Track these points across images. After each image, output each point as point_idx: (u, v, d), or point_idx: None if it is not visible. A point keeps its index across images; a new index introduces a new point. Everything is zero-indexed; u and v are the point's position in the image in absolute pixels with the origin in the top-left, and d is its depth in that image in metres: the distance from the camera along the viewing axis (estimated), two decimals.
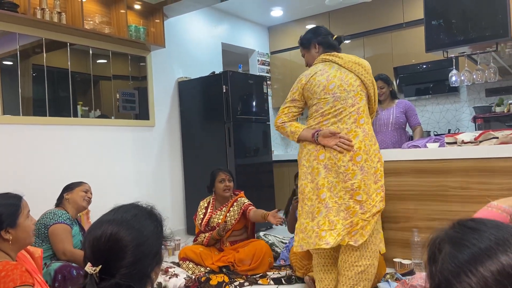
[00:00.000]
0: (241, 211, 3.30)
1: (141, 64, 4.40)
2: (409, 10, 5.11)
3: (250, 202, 3.36)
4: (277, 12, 5.71)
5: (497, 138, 2.51)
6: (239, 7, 5.37)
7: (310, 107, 2.30)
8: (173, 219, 4.58)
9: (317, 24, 5.90)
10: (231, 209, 3.33)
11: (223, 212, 3.33)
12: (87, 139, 3.80)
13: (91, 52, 3.90)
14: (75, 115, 3.75)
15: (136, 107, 4.29)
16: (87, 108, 3.87)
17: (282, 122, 2.33)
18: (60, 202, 2.82)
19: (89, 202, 2.87)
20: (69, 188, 2.86)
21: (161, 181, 4.50)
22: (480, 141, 2.59)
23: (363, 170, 2.14)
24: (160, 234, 1.11)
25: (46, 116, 3.53)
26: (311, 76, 2.26)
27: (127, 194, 4.00)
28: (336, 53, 2.33)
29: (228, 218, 3.29)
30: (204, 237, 3.32)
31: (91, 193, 2.92)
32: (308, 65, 2.45)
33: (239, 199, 3.36)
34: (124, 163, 4.10)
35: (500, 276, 0.65)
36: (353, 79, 2.24)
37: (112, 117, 4.06)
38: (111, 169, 3.96)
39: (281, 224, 3.06)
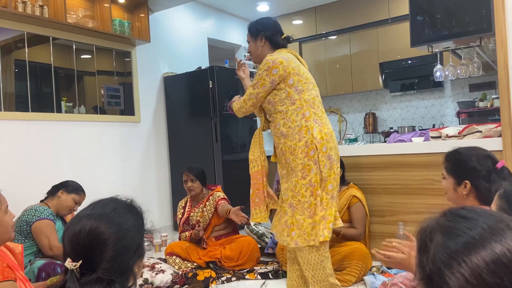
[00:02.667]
0: (215, 205, 3.29)
1: (126, 59, 4.34)
2: (394, 6, 5.14)
3: (223, 196, 3.33)
4: (263, 7, 5.69)
5: (481, 132, 2.54)
6: (225, 1, 5.34)
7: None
8: (159, 215, 4.55)
9: (304, 19, 5.93)
10: (207, 204, 3.31)
11: (200, 209, 3.32)
12: (71, 135, 3.74)
13: (74, 47, 3.83)
14: (59, 111, 3.69)
15: (121, 103, 4.24)
16: (71, 104, 3.80)
17: None
18: (51, 194, 2.78)
19: (71, 213, 2.82)
20: (68, 188, 2.79)
21: (147, 177, 4.46)
22: (464, 135, 2.63)
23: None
24: (141, 227, 1.10)
25: (28, 111, 3.46)
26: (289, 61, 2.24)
27: (112, 190, 3.92)
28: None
29: (205, 213, 3.29)
30: (185, 236, 3.31)
31: (78, 206, 2.84)
32: (251, 53, 2.40)
33: (214, 193, 3.36)
34: (110, 159, 4.05)
35: (494, 265, 0.64)
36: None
37: (97, 113, 4.01)
38: (96, 165, 3.91)
39: (245, 223, 3.03)
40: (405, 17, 4.99)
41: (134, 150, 4.31)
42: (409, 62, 5.19)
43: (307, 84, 2.25)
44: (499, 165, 1.60)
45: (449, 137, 2.69)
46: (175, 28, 4.91)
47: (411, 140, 3.07)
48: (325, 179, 2.19)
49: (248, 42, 2.41)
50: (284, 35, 2.37)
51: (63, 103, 3.73)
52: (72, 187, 2.81)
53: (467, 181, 1.61)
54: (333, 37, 5.72)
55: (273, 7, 5.69)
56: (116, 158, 4.13)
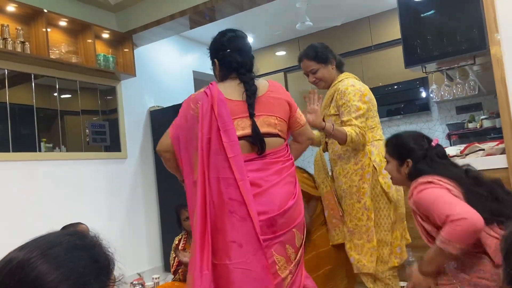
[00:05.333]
0: None
1: (109, 97, 4.22)
2: (377, 33, 5.23)
3: None
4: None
5: (483, 150, 2.49)
6: (208, 35, 5.28)
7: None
8: (149, 256, 4.32)
9: (288, 50, 5.97)
10: None
11: None
12: (54, 174, 3.55)
13: (57, 86, 3.71)
14: (41, 151, 3.52)
15: (107, 139, 4.09)
16: (51, 145, 3.62)
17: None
18: None
19: None
20: (64, 229, 2.63)
21: (135, 215, 4.26)
22: (466, 154, 2.57)
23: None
24: (99, 271, 0.82)
25: (9, 152, 3.28)
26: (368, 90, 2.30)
27: (99, 231, 3.73)
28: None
29: None
30: (180, 270, 3.12)
31: (95, 235, 2.65)
32: (323, 79, 2.36)
33: None
34: (95, 198, 3.85)
35: None
36: None
37: (82, 151, 3.84)
38: (81, 205, 3.70)
39: None
40: (388, 43, 5.08)
41: (121, 188, 4.13)
42: (395, 87, 5.23)
43: (372, 111, 2.28)
44: (433, 143, 1.78)
45: (451, 157, 2.63)
46: (160, 62, 4.86)
47: None
48: (394, 201, 2.17)
49: (315, 71, 2.35)
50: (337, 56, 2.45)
51: (42, 144, 3.55)
52: (66, 227, 2.66)
53: (408, 160, 1.75)
54: None
55: (257, 38, 5.72)
56: (102, 196, 3.93)
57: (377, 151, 2.22)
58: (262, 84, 1.78)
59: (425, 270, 1.66)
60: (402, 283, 2.71)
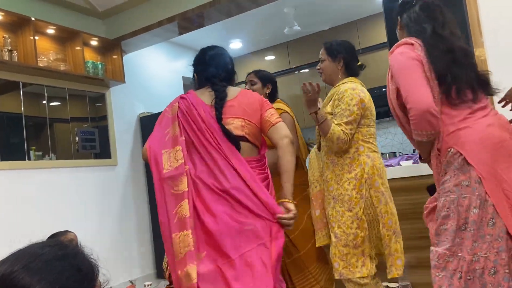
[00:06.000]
0: None
1: (98, 104, 4.21)
2: (364, 37, 5.28)
3: None
4: (236, 44, 5.75)
5: None
6: (198, 40, 5.34)
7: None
8: (141, 263, 4.30)
9: (277, 54, 6.01)
10: None
11: None
12: (44, 182, 3.53)
13: (46, 93, 3.69)
14: (30, 160, 3.49)
15: (97, 146, 4.07)
16: (40, 153, 3.60)
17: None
18: None
19: None
20: (52, 238, 2.61)
21: (127, 222, 4.24)
22: None
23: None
24: (83, 279, 0.81)
25: None
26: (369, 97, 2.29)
27: (90, 238, 3.71)
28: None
29: None
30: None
31: (76, 243, 2.65)
32: (324, 72, 2.39)
33: None
34: (86, 206, 3.83)
35: None
36: None
37: (71, 158, 3.82)
38: (71, 213, 3.68)
39: None
40: (375, 47, 5.14)
41: (111, 195, 4.11)
42: (383, 90, 5.28)
43: (370, 120, 2.27)
44: None
45: None
46: (149, 68, 4.86)
47: (399, 164, 3.03)
48: (382, 215, 2.18)
49: (322, 60, 2.37)
50: (359, 62, 2.40)
51: (32, 152, 3.53)
52: (53, 235, 2.66)
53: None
54: (306, 70, 5.80)
55: (245, 43, 5.75)
56: (93, 204, 3.91)
57: (371, 164, 2.21)
58: (233, 90, 1.96)
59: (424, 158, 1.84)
60: (385, 284, 2.74)
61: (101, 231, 3.89)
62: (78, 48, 3.81)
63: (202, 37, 5.17)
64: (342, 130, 2.15)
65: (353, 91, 2.22)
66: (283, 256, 2.13)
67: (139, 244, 4.32)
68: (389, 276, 2.18)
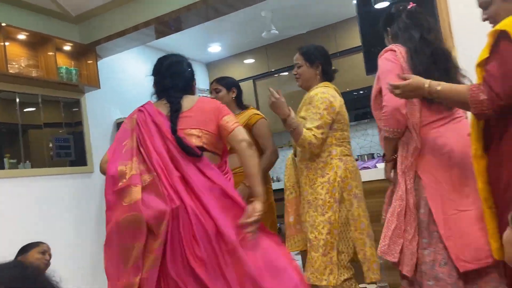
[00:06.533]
0: None
1: (74, 109, 4.13)
2: (341, 40, 5.32)
3: None
4: (215, 48, 5.72)
5: None
6: (175, 44, 5.29)
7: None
8: None
9: (256, 58, 6.00)
10: None
11: None
12: (18, 191, 3.43)
13: (18, 99, 3.59)
14: (2, 168, 3.40)
15: (72, 153, 3.99)
16: (15, 161, 3.51)
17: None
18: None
19: (47, 265, 2.56)
20: (23, 250, 2.55)
21: (104, 229, 4.15)
22: None
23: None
24: None
25: None
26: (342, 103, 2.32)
27: (66, 249, 3.63)
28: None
29: None
30: None
31: (50, 255, 2.60)
32: (302, 79, 2.41)
33: None
34: (62, 215, 3.74)
35: None
36: None
37: (46, 166, 3.73)
38: (47, 222, 3.58)
39: None
40: (353, 49, 5.17)
41: (88, 203, 4.02)
42: (361, 92, 5.33)
43: (343, 124, 2.29)
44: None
45: None
46: (125, 73, 4.79)
47: (375, 166, 3.06)
48: (354, 218, 2.19)
49: (299, 66, 2.39)
50: (333, 67, 2.47)
51: (6, 159, 3.44)
52: (25, 247, 2.61)
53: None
54: (286, 73, 5.81)
55: (224, 47, 5.73)
56: (69, 212, 3.82)
57: (344, 167, 2.23)
58: (190, 100, 1.95)
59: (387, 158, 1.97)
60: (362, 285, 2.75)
61: (77, 240, 3.81)
62: (50, 53, 3.73)
63: (181, 41, 5.14)
64: (313, 134, 2.17)
65: (323, 95, 2.25)
66: None
67: None
68: (367, 281, 2.19)
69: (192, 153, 1.80)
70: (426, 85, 1.63)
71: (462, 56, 2.44)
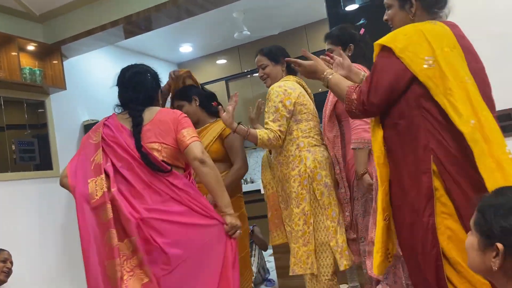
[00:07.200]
0: None
1: (40, 110, 3.99)
2: (313, 42, 5.34)
3: None
4: (186, 48, 5.65)
5: None
6: (145, 44, 5.21)
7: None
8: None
9: (229, 58, 5.95)
10: None
11: None
12: None
13: None
14: None
15: (36, 157, 3.85)
16: None
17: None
18: None
19: (8, 274, 2.47)
20: None
21: (73, 235, 4.00)
22: None
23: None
24: None
25: None
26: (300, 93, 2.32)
27: (31, 256, 3.50)
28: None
29: None
30: None
31: (11, 262, 2.51)
32: (271, 78, 2.44)
33: None
34: (26, 221, 3.60)
35: None
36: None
37: (8, 171, 3.58)
38: (10, 229, 3.44)
39: None
40: (324, 51, 5.18)
41: (54, 208, 3.89)
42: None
43: (307, 114, 2.30)
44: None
45: None
46: (93, 73, 4.66)
47: None
48: (325, 207, 2.23)
49: (265, 66, 2.44)
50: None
51: None
52: None
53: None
54: (257, 74, 5.78)
55: (196, 47, 5.67)
56: (33, 218, 3.68)
57: (312, 157, 2.26)
58: (151, 112, 1.91)
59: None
60: (343, 286, 2.77)
61: (42, 247, 3.68)
62: (13, 53, 3.59)
63: (151, 40, 5.05)
64: (269, 129, 2.22)
65: (279, 88, 2.29)
66: None
67: None
68: (341, 269, 2.24)
69: (158, 169, 1.78)
70: (324, 73, 1.76)
71: None
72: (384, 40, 1.57)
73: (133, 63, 5.50)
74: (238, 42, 5.62)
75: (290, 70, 2.49)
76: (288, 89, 2.29)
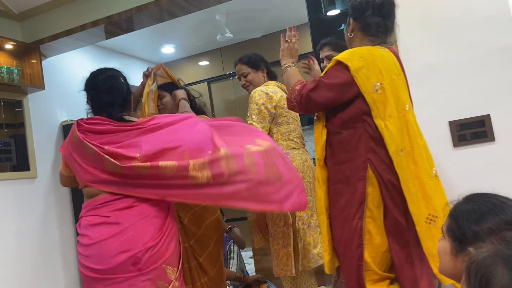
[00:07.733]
0: None
1: (17, 109, 3.91)
2: None
3: None
4: (168, 49, 5.62)
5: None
6: (127, 44, 5.16)
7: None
8: (66, 279, 4.03)
9: (211, 60, 5.94)
10: None
11: None
12: None
13: None
14: None
15: (13, 158, 3.76)
16: None
17: None
18: None
19: None
20: None
21: (49, 238, 3.96)
22: None
23: None
24: None
25: None
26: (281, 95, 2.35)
27: (7, 259, 3.42)
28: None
29: None
30: None
31: None
32: (253, 85, 2.47)
33: None
34: (2, 223, 3.52)
35: None
36: None
37: None
38: None
39: None
40: (305, 55, 5.23)
41: (31, 210, 3.81)
42: None
43: (287, 117, 2.34)
44: None
45: None
46: (73, 73, 4.59)
47: None
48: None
49: (246, 74, 2.49)
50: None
51: None
52: None
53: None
54: None
55: (178, 49, 5.64)
56: (10, 221, 3.60)
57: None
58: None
59: None
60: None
61: (19, 251, 3.59)
62: None
63: (132, 41, 5.01)
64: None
65: (261, 92, 2.34)
66: (193, 280, 2.15)
67: (63, 264, 4.05)
68: (300, 269, 2.26)
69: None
70: (289, 63, 1.97)
71: (405, 59, 2.53)
72: (342, 57, 1.72)
73: (114, 63, 5.45)
74: (221, 44, 5.63)
75: (271, 76, 2.54)
76: (269, 93, 2.34)
